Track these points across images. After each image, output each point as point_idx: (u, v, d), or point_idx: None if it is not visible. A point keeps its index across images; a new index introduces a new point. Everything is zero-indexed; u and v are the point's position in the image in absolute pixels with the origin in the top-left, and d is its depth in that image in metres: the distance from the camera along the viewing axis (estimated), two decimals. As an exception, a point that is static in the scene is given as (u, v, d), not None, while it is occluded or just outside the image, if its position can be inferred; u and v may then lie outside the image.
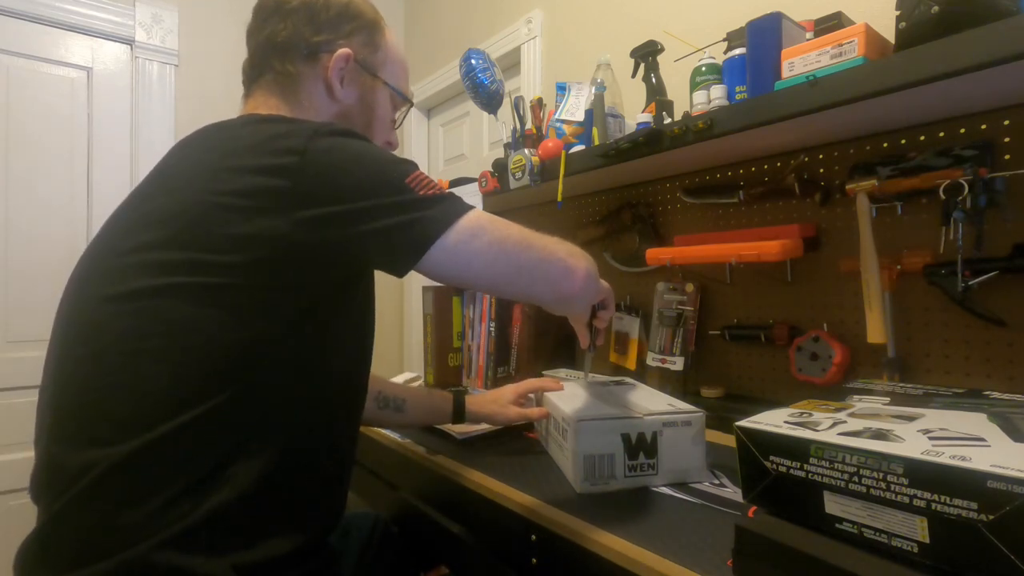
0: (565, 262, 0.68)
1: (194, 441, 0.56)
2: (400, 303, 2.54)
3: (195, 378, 0.57)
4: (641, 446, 0.77)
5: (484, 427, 1.04)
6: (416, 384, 1.36)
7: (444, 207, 0.61)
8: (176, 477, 0.55)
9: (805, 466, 0.50)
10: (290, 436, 0.62)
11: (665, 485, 0.78)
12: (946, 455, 0.43)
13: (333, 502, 0.71)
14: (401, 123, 0.87)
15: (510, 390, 1.02)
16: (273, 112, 0.74)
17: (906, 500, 0.44)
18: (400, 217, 0.59)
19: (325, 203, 0.58)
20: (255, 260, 0.57)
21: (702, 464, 0.79)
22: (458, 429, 1.04)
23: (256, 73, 0.77)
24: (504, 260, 0.64)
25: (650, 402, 0.85)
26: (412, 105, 0.88)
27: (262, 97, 0.75)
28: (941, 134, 0.85)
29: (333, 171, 0.59)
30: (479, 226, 0.62)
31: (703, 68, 1.01)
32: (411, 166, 0.63)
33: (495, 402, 1.00)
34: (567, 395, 0.94)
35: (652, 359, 1.22)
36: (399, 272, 0.62)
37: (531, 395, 1.02)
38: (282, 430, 0.62)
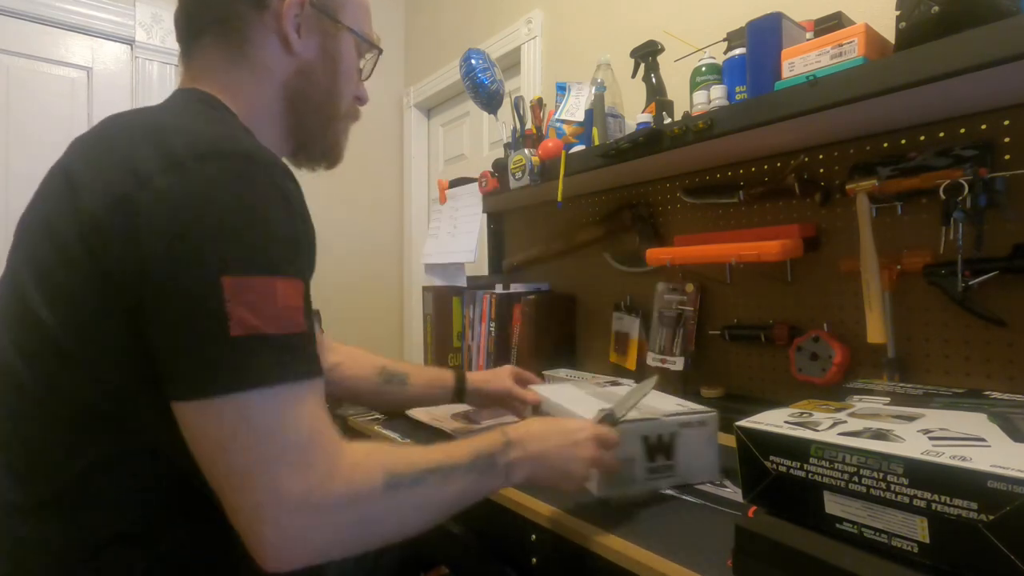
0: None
1: (82, 507, 0.48)
2: (400, 303, 2.54)
3: (66, 432, 0.49)
4: (660, 448, 0.77)
5: (484, 426, 1.04)
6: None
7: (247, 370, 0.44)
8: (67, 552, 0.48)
9: (805, 466, 0.50)
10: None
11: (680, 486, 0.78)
12: (946, 455, 0.43)
13: None
14: (370, 74, 0.74)
15: (508, 368, 1.04)
16: (215, 81, 0.62)
17: (906, 500, 0.44)
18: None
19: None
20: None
21: (715, 464, 0.79)
22: (458, 428, 1.04)
23: (193, 29, 0.63)
24: None
25: (658, 403, 0.85)
26: (381, 52, 0.74)
27: (202, 61, 0.63)
28: (941, 134, 0.85)
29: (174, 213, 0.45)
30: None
31: (703, 68, 1.01)
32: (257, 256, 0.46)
33: (494, 374, 1.03)
34: (572, 398, 0.93)
35: (652, 359, 1.22)
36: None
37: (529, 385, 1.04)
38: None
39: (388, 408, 1.14)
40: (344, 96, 0.70)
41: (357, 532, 0.49)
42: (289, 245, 0.49)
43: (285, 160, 0.67)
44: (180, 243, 0.44)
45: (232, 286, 0.44)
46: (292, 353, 0.47)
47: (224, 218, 0.45)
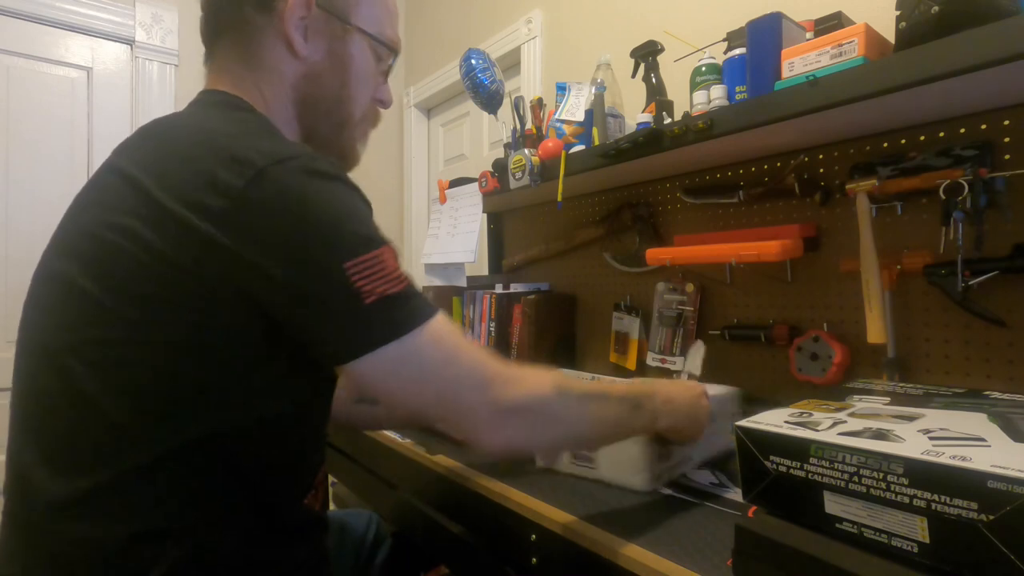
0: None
1: (119, 503, 0.50)
2: (400, 303, 2.53)
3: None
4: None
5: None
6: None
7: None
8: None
9: (805, 466, 0.50)
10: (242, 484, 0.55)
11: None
12: (946, 455, 0.43)
13: (313, 514, 0.65)
14: (388, 75, 0.74)
15: None
16: (236, 83, 0.64)
17: (906, 500, 0.44)
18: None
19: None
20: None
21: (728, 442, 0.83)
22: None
23: (212, 33, 0.66)
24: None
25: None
26: (397, 53, 0.73)
27: (221, 63, 0.65)
28: (941, 134, 0.85)
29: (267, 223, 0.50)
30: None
31: (703, 68, 1.01)
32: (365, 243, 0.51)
33: None
34: None
35: (652, 359, 1.22)
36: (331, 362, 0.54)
37: None
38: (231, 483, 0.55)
39: (363, 429, 1.08)
40: (358, 100, 0.70)
41: (538, 428, 0.59)
42: (368, 219, 0.54)
43: None
44: (294, 244, 0.50)
45: (352, 268, 0.50)
46: (415, 300, 0.54)
47: (320, 215, 0.51)
